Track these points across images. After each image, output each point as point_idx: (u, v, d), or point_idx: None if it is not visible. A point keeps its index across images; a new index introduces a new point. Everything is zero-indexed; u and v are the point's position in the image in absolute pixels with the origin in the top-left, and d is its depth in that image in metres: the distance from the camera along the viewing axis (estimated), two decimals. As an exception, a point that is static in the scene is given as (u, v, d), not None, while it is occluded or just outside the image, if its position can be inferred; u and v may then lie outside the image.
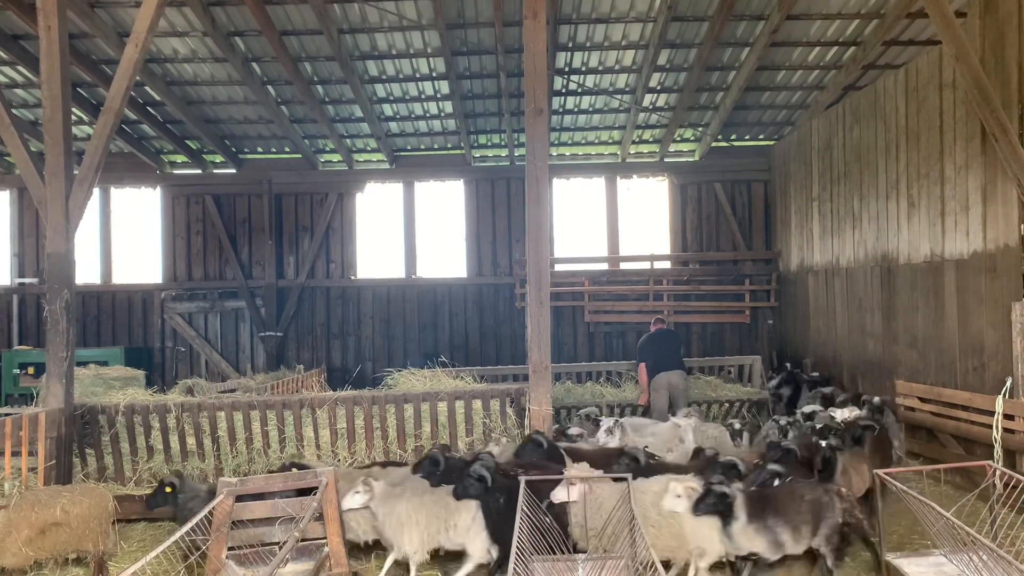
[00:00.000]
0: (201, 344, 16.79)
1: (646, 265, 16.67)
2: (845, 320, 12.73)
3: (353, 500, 6.44)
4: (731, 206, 16.67)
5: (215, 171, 17.22)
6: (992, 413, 8.40)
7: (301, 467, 7.23)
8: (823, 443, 6.94)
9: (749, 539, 5.90)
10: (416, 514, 6.35)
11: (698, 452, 7.57)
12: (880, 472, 6.05)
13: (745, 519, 5.91)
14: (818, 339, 13.88)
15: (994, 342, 8.83)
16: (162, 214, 17.09)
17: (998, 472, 6.51)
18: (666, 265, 16.68)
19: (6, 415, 8.62)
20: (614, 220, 16.99)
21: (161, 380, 15.55)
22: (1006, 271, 8.64)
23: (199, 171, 17.14)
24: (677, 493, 5.96)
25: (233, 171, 17.07)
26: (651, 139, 16.73)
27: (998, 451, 8.25)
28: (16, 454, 8.33)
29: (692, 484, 6.02)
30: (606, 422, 9.09)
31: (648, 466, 6.97)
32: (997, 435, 8.31)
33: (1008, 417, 8.26)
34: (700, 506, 5.87)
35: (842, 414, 8.85)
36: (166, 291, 16.87)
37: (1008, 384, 8.41)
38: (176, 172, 17.30)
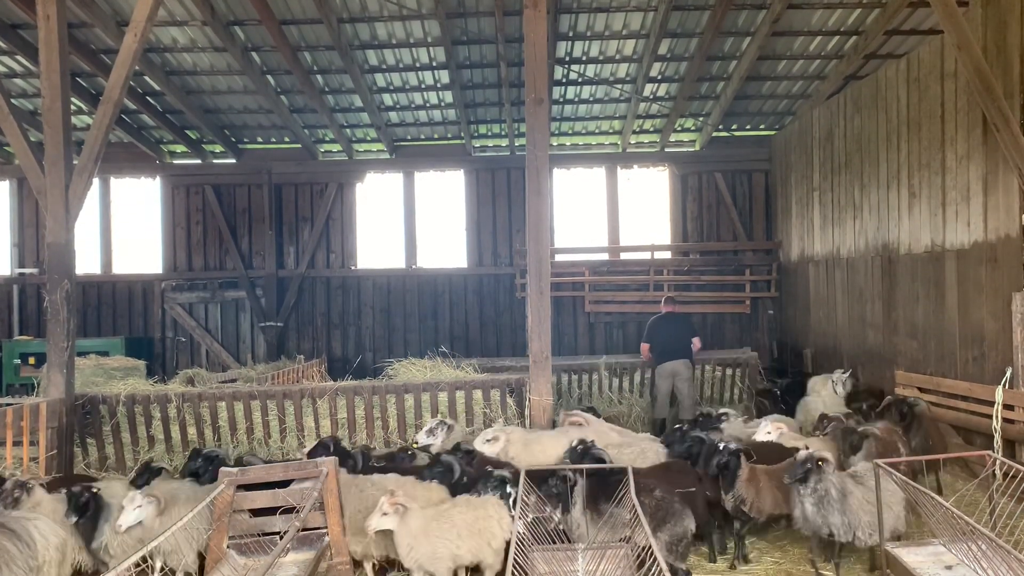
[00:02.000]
0: (201, 334, 16.79)
1: (646, 255, 16.66)
2: (845, 310, 12.73)
3: (129, 517, 6.06)
4: (732, 196, 16.65)
5: (215, 161, 17.19)
6: (992, 403, 8.41)
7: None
8: (729, 447, 6.71)
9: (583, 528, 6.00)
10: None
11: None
12: (879, 462, 6.06)
13: (581, 507, 6.00)
14: (818, 329, 13.88)
15: (994, 332, 8.84)
16: (162, 204, 17.07)
17: (998, 462, 6.52)
18: (667, 255, 16.68)
19: (7, 405, 8.64)
20: (614, 210, 16.97)
21: (162, 370, 15.56)
22: (1007, 261, 8.63)
23: (199, 161, 17.11)
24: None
25: (233, 161, 17.04)
26: (652, 129, 16.69)
27: (998, 441, 8.27)
28: (17, 444, 8.35)
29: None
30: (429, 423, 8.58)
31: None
32: (997, 425, 8.33)
33: (1008, 407, 8.28)
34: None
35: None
36: (166, 281, 16.87)
37: (1008, 374, 8.43)
38: (176, 162, 17.27)
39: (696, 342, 11.86)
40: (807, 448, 6.43)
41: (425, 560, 5.80)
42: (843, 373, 10.57)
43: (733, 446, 6.67)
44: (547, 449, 7.64)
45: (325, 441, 7.79)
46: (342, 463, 6.77)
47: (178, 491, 6.49)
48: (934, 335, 10.08)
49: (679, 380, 11.66)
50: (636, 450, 7.64)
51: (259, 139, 16.99)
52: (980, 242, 9.12)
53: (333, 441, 7.83)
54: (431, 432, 8.32)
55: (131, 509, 6.03)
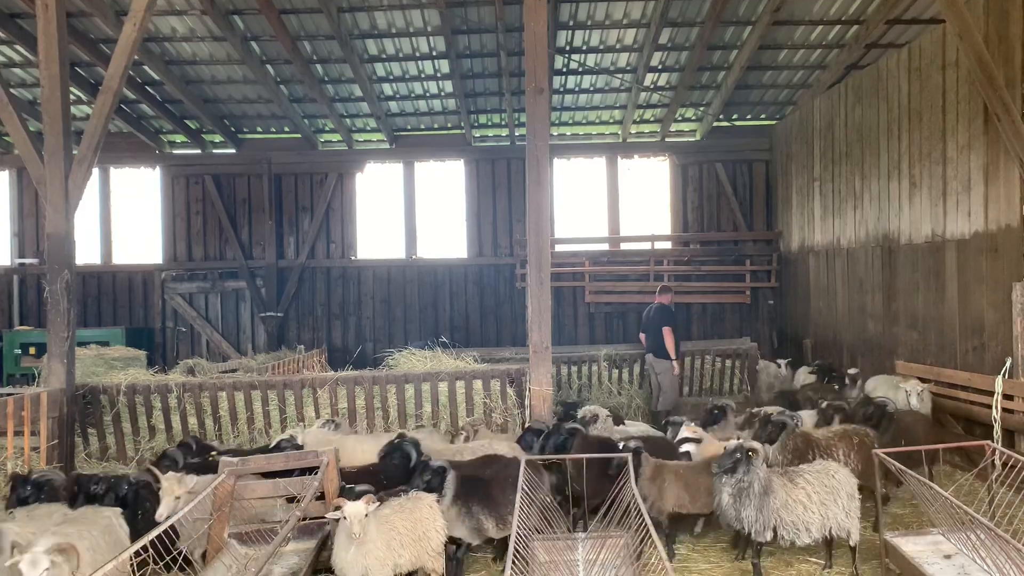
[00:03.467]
0: (202, 324, 16.80)
1: (647, 245, 16.64)
2: (846, 300, 12.73)
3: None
4: (732, 186, 16.63)
5: (215, 151, 17.16)
6: (992, 393, 8.42)
7: (296, 446, 7.35)
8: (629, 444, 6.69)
9: (451, 521, 5.91)
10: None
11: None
12: (879, 452, 6.07)
13: (450, 499, 5.96)
14: (818, 319, 13.89)
15: (994, 322, 8.84)
16: (162, 194, 17.05)
17: (997, 452, 6.53)
18: (667, 245, 16.67)
19: (8, 395, 8.64)
20: (615, 200, 16.95)
21: (162, 360, 15.58)
22: (1007, 251, 8.62)
23: (199, 151, 17.08)
24: None
25: (232, 151, 17.01)
26: (652, 119, 16.65)
27: (997, 431, 8.28)
28: (18, 434, 8.37)
29: None
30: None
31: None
32: (996, 415, 8.33)
33: (1007, 397, 8.29)
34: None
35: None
36: (166, 271, 16.86)
37: (1008, 364, 8.43)
38: (175, 152, 17.23)
39: (665, 333, 11.52)
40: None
41: (371, 569, 5.32)
42: (918, 384, 9.11)
43: (633, 444, 6.66)
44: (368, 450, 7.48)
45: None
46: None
47: (80, 524, 5.35)
48: (934, 325, 10.09)
49: (652, 373, 11.80)
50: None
51: (259, 129, 16.96)
52: (981, 232, 9.11)
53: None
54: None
55: None
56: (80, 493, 6.40)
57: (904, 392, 8.91)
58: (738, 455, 5.89)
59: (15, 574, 4.30)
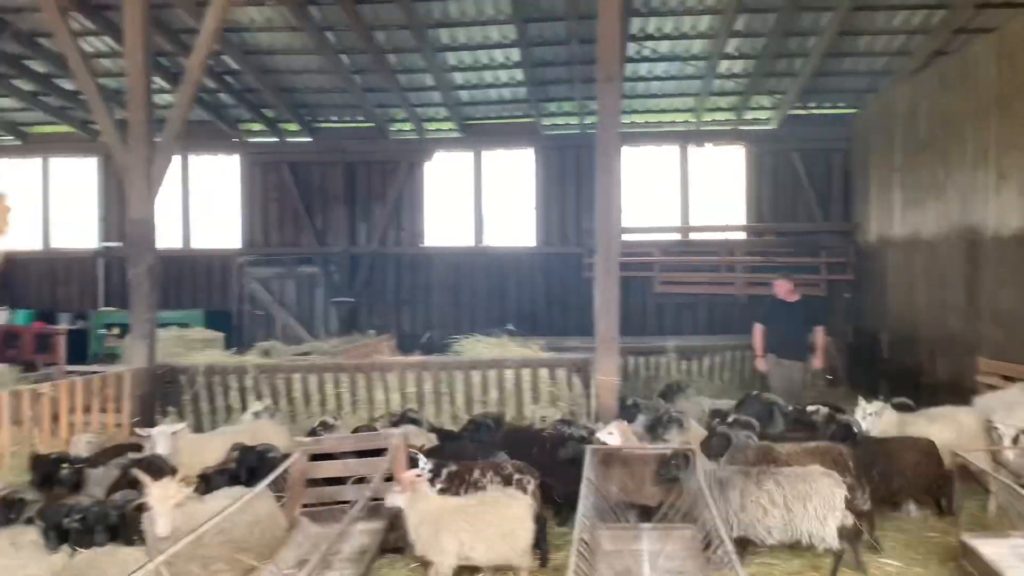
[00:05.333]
0: (277, 308, 17.20)
1: (719, 236, 16.36)
2: (925, 295, 12.30)
3: None
4: (808, 176, 16.19)
5: (290, 140, 17.51)
6: (1081, 394, 8.04)
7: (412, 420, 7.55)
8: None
9: None
10: None
11: None
12: (960, 451, 5.88)
13: None
14: (896, 314, 13.46)
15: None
16: (240, 181, 17.52)
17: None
18: (740, 236, 16.37)
19: (94, 373, 9.03)
20: (686, 189, 16.70)
21: (239, 342, 15.99)
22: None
23: (275, 139, 17.47)
24: None
25: (308, 140, 17.34)
26: (726, 106, 16.35)
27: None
28: (103, 411, 8.74)
29: None
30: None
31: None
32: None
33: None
34: None
35: None
36: (244, 256, 17.31)
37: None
38: (253, 140, 17.66)
39: (819, 332, 10.54)
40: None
41: (427, 549, 5.42)
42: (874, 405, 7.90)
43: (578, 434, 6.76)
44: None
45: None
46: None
47: None
48: (1021, 322, 9.67)
49: (775, 370, 10.43)
50: None
51: (333, 118, 17.25)
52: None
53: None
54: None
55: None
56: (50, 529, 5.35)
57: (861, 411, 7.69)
58: (674, 463, 5.95)
59: None
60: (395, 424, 7.99)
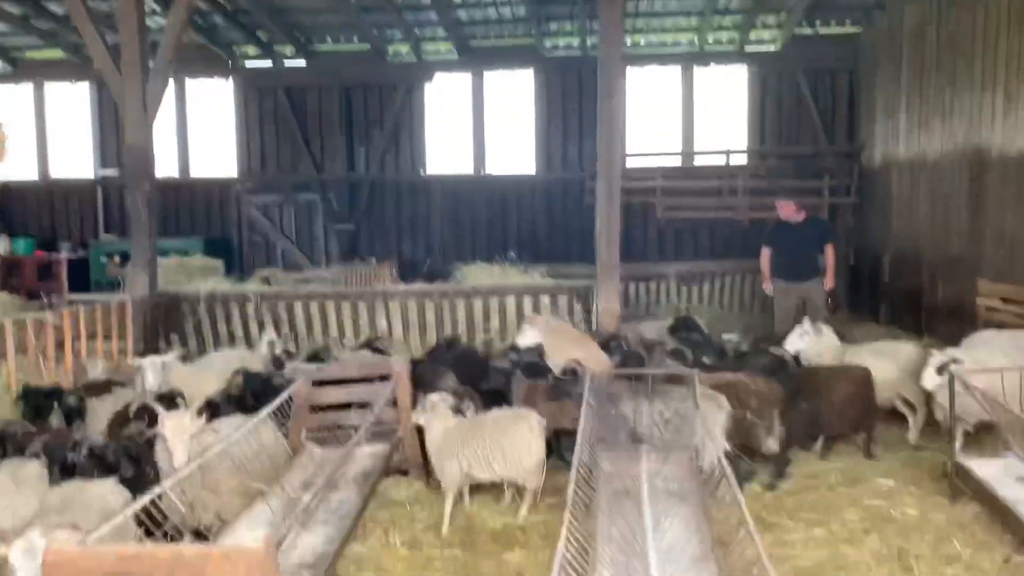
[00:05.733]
0: (276, 235, 17.16)
1: (722, 160, 16.18)
2: (928, 217, 12.23)
3: None
4: (813, 98, 15.92)
5: (286, 64, 17.18)
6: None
7: (376, 350, 7.51)
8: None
9: None
10: None
11: None
12: (954, 370, 5.92)
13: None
14: (899, 236, 13.41)
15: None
16: (235, 108, 17.27)
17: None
18: (743, 160, 16.18)
19: (96, 302, 9.07)
20: (689, 112, 16.46)
21: (239, 270, 16.03)
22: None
23: (270, 64, 17.13)
24: None
25: (303, 64, 17.01)
26: (731, 26, 15.96)
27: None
28: (107, 339, 8.81)
29: None
30: None
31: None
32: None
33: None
34: None
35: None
36: (241, 184, 17.18)
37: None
38: (248, 66, 17.33)
39: (829, 250, 10.17)
40: None
41: (442, 465, 5.62)
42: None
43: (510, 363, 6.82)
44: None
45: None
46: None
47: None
48: (1020, 245, 9.64)
49: (786, 297, 10.21)
50: None
51: (328, 39, 16.86)
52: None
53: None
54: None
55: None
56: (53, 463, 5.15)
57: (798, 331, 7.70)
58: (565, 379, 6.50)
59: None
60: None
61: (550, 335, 7.58)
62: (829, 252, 10.16)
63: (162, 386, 6.82)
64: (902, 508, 5.77)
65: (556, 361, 7.16)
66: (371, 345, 8.49)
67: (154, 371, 6.90)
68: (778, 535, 5.40)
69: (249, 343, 9.73)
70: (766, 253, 10.36)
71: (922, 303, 11.86)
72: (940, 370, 6.23)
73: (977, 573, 4.82)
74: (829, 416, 6.58)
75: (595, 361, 7.13)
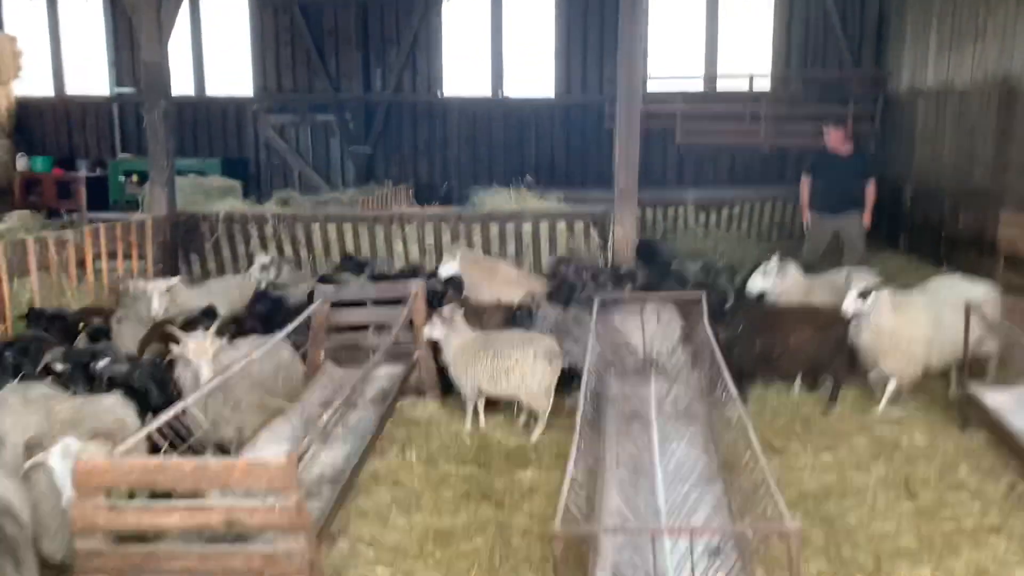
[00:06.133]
0: (293, 157, 17.07)
1: (744, 84, 15.80)
2: (953, 146, 12.00)
3: None
4: (841, 18, 15.41)
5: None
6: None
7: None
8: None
9: None
10: None
11: None
12: (971, 299, 5.94)
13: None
14: (922, 167, 13.20)
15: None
16: (250, 25, 16.95)
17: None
18: (766, 84, 15.81)
19: (117, 220, 9.14)
20: (713, 35, 16.00)
21: (257, 190, 16.00)
22: None
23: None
24: None
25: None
26: (759, -56, 15.43)
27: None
28: (127, 258, 8.91)
29: None
30: None
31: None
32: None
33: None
34: None
35: None
36: (259, 103, 17.00)
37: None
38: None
39: (871, 184, 9.73)
40: None
41: (459, 375, 5.93)
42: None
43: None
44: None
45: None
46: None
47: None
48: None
49: (826, 232, 9.96)
50: None
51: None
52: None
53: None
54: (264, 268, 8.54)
55: None
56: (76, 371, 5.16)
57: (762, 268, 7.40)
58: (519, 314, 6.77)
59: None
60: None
61: (471, 267, 7.82)
62: (871, 187, 9.71)
63: (168, 310, 6.86)
64: (911, 435, 5.86)
65: (474, 296, 7.38)
66: (351, 261, 8.67)
67: (158, 296, 6.89)
68: (786, 459, 5.51)
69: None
70: (806, 182, 9.97)
71: (943, 233, 11.74)
72: (863, 296, 6.17)
73: (982, 499, 4.92)
74: (782, 356, 6.50)
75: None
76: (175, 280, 7.43)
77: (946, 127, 12.25)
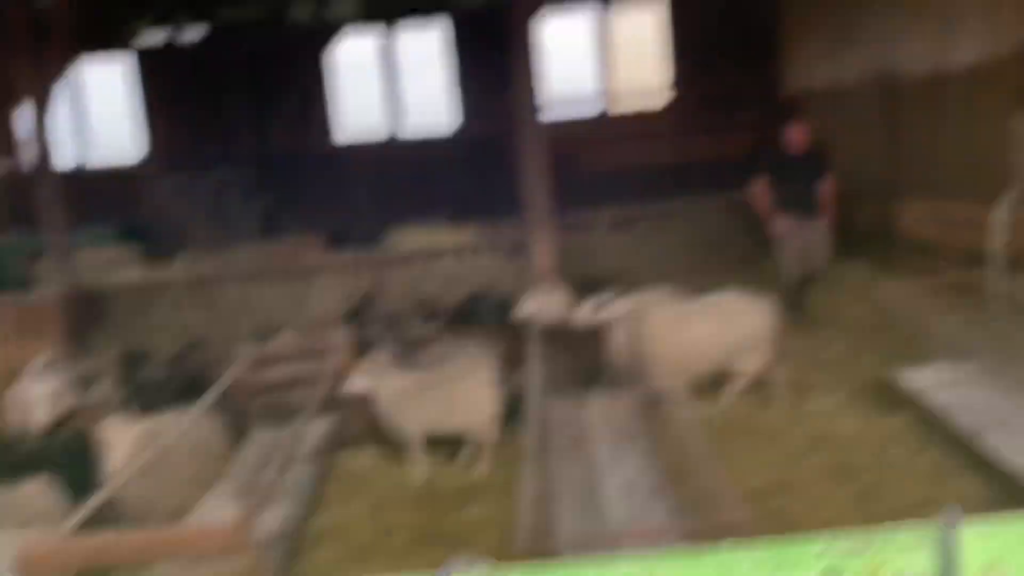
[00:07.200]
0: (190, 217, 16.52)
1: (642, 103, 16.19)
2: (847, 143, 12.52)
3: None
4: (729, 31, 15.97)
5: (186, 36, 16.38)
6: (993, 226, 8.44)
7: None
8: None
9: None
10: None
11: None
12: (881, 285, 6.19)
13: None
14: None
15: (997, 156, 8.76)
16: (135, 86, 16.48)
17: (999, 284, 6.66)
18: (663, 100, 16.20)
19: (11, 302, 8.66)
20: (606, 56, 16.38)
21: (156, 255, 15.37)
22: (1007, 85, 8.47)
23: (167, 36, 16.33)
24: None
25: (202, 34, 16.26)
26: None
27: (998, 263, 8.34)
28: (22, 339, 8.44)
29: None
30: None
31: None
32: (998, 247, 8.37)
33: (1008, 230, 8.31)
34: None
35: None
36: (149, 165, 16.48)
37: (1010, 197, 8.41)
38: (146, 40, 16.47)
39: (828, 181, 8.82)
40: None
41: (397, 425, 5.62)
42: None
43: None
44: None
45: None
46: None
47: None
48: (935, 160, 10.00)
49: (792, 239, 8.81)
50: None
51: (227, 7, 16.06)
52: (983, 66, 8.90)
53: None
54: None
55: None
56: None
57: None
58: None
59: None
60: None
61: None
62: (830, 183, 8.78)
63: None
64: (843, 423, 6.03)
65: None
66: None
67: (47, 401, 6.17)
68: (727, 460, 5.57)
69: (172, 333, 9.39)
70: (762, 183, 8.93)
71: (846, 228, 12.21)
72: (599, 308, 6.41)
73: (915, 475, 5.09)
74: None
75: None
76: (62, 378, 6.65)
77: (837, 124, 12.80)
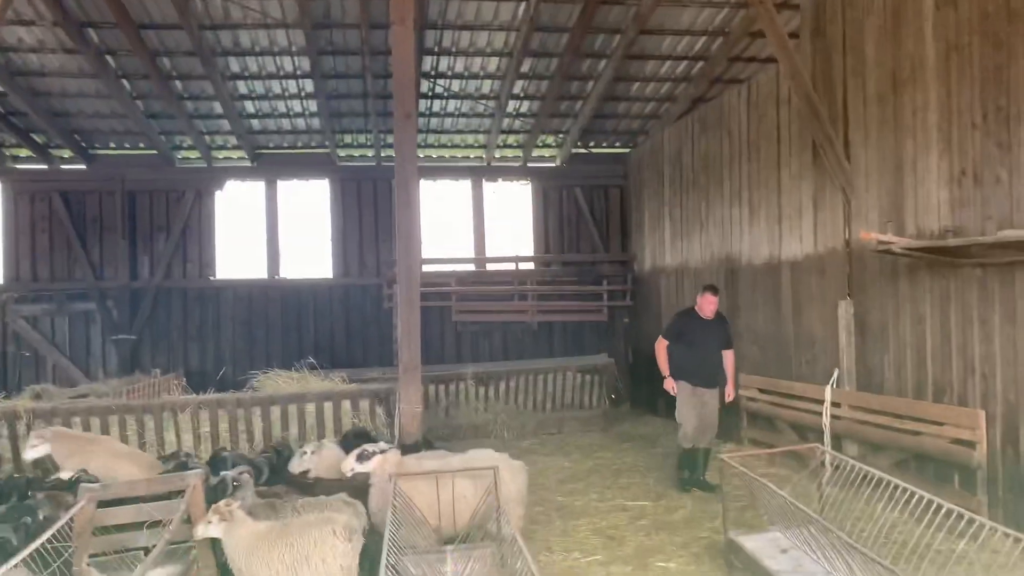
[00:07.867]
0: (48, 348, 15.87)
1: (511, 266, 17.06)
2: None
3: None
4: (590, 210, 17.35)
5: (63, 167, 16.26)
6: (822, 402, 9.26)
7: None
8: None
9: None
10: None
11: None
12: (723, 456, 6.62)
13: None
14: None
15: (823, 337, 9.73)
16: (3, 212, 16.02)
17: (827, 455, 7.27)
18: (530, 266, 17.15)
19: None
20: (480, 221, 17.30)
21: (4, 387, 14.60)
22: (833, 272, 9.54)
23: (45, 166, 16.17)
24: None
25: (83, 167, 16.20)
26: (515, 143, 17.17)
27: (827, 436, 9.11)
28: None
29: None
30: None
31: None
32: (826, 421, 9.16)
33: (835, 405, 9.14)
34: None
35: None
36: (8, 293, 15.82)
37: (835, 375, 9.31)
38: (19, 167, 16.25)
39: (728, 356, 9.42)
40: None
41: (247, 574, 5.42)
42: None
43: None
44: None
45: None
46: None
47: None
48: (773, 340, 10.96)
49: (700, 404, 9.22)
50: None
51: (112, 144, 16.25)
52: (811, 254, 10.02)
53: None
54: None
55: None
56: None
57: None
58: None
59: None
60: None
61: (66, 443, 7.77)
62: (729, 358, 9.41)
63: None
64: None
65: (69, 466, 7.23)
66: (176, 456, 8.05)
67: None
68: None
69: (19, 465, 8.90)
70: (663, 344, 9.37)
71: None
72: (359, 458, 6.76)
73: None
74: None
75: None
76: None
77: (686, 301, 13.84)
